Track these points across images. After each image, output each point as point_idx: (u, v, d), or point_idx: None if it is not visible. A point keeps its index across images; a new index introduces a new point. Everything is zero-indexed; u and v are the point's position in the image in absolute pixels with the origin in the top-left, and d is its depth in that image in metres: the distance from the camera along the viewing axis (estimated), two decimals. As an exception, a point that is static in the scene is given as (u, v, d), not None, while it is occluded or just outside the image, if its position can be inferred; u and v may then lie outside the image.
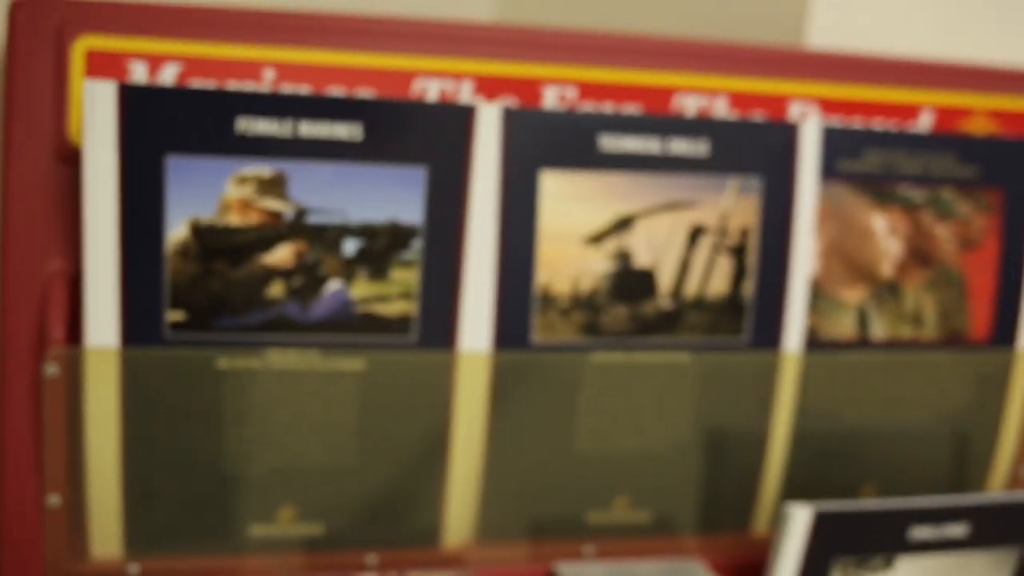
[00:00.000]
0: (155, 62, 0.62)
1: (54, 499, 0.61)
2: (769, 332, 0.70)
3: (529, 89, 0.68)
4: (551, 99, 0.68)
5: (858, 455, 0.75)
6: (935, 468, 0.77)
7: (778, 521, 0.67)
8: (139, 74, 0.62)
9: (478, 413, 0.66)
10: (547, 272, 0.66)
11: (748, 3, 0.86)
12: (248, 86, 0.63)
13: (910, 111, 0.75)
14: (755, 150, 0.68)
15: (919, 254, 0.73)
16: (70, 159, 0.61)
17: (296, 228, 0.61)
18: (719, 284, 0.69)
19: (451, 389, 0.65)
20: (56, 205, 0.62)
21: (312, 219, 0.61)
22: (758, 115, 0.72)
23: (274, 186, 0.61)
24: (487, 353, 0.66)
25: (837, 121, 0.73)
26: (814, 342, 0.72)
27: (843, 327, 0.73)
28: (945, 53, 0.81)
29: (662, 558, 0.72)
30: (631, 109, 0.69)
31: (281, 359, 0.63)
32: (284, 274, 0.62)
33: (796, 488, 0.73)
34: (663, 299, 0.68)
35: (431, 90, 0.66)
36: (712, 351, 0.69)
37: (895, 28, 0.82)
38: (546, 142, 0.65)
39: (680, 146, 0.67)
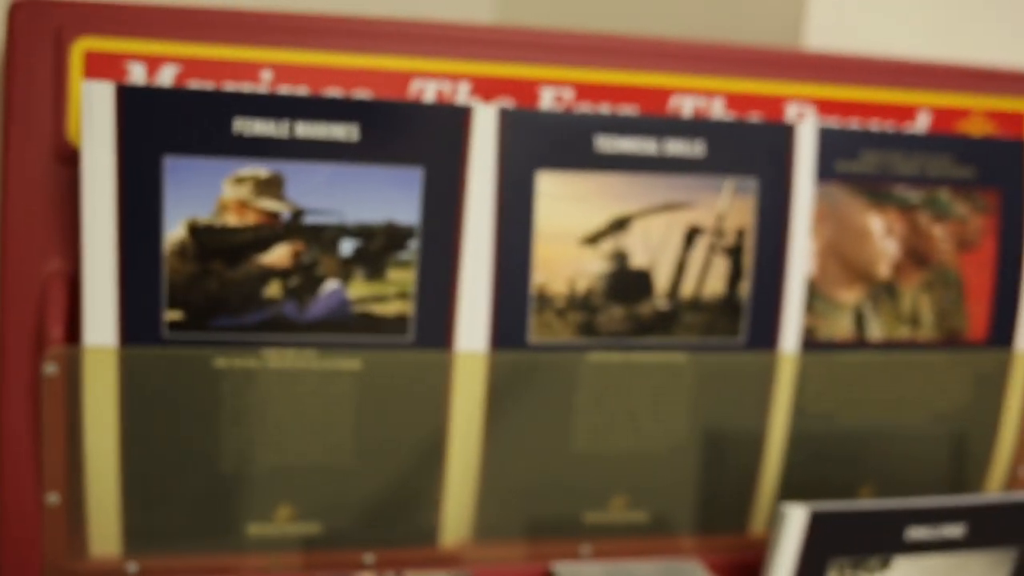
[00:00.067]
0: (153, 63, 0.62)
1: (53, 498, 0.62)
2: (765, 333, 0.71)
3: (526, 90, 0.68)
4: (548, 100, 0.68)
5: (855, 456, 0.75)
6: (933, 469, 0.77)
7: (774, 521, 0.67)
8: (137, 75, 0.62)
9: (475, 413, 0.66)
10: (543, 272, 0.66)
11: (746, 5, 0.86)
12: (245, 87, 0.63)
13: (907, 112, 0.75)
14: (751, 151, 0.69)
15: (916, 255, 0.74)
16: (69, 159, 0.61)
17: (293, 228, 0.62)
18: (715, 285, 0.69)
19: (448, 389, 0.66)
20: (55, 205, 0.62)
21: (309, 219, 0.62)
22: (755, 116, 0.72)
23: (271, 186, 0.61)
24: (484, 353, 0.66)
25: (834, 122, 0.73)
26: (811, 343, 0.72)
27: (840, 328, 0.73)
28: (942, 54, 0.81)
29: (659, 558, 0.72)
30: (628, 110, 0.69)
31: (278, 359, 0.63)
32: (281, 274, 0.62)
33: (793, 489, 0.73)
34: (659, 299, 0.68)
35: (428, 91, 0.66)
36: (709, 351, 0.70)
37: (893, 29, 0.83)
38: (542, 143, 0.65)
39: (676, 147, 0.67)
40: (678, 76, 0.70)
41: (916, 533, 0.69)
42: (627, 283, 0.68)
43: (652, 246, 0.68)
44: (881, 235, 0.73)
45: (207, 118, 0.60)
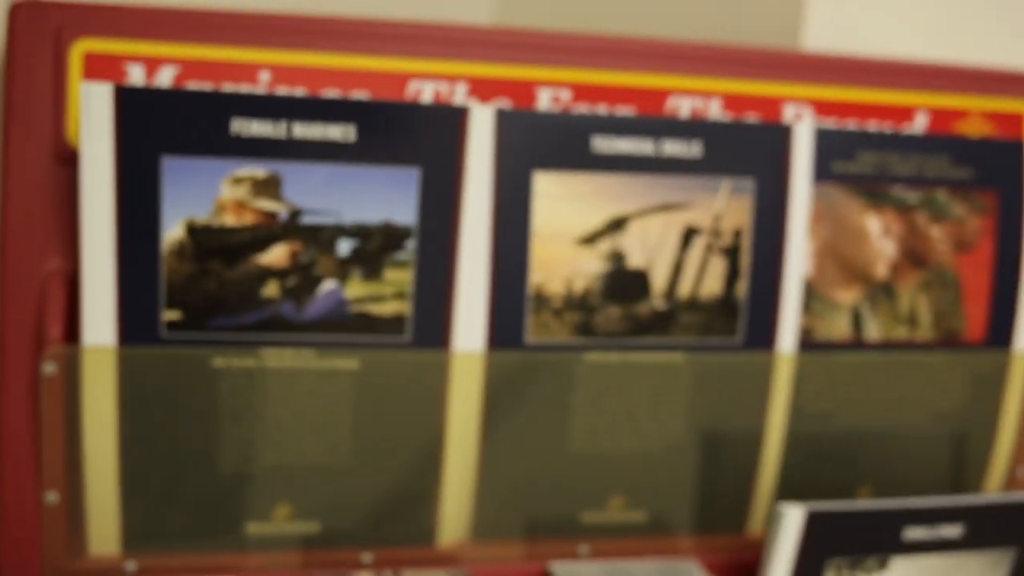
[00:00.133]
0: (152, 64, 0.63)
1: (52, 496, 0.62)
2: (763, 333, 0.71)
3: (523, 91, 0.68)
4: (545, 101, 0.68)
5: (854, 457, 0.75)
6: (931, 470, 0.77)
7: (771, 521, 0.67)
8: (136, 76, 0.63)
9: (472, 413, 0.67)
10: (541, 272, 0.67)
11: (745, 6, 0.86)
12: (243, 88, 0.64)
13: (905, 113, 0.75)
14: (748, 151, 0.69)
15: (913, 255, 0.74)
16: (68, 160, 0.62)
17: (291, 228, 0.62)
18: (712, 285, 0.69)
19: (445, 389, 0.66)
20: (54, 205, 0.62)
21: (306, 220, 0.62)
22: (752, 117, 0.72)
23: (269, 187, 0.61)
24: (481, 353, 0.66)
25: (831, 123, 0.73)
26: (808, 343, 0.72)
27: (838, 328, 0.73)
28: (940, 55, 0.81)
29: (657, 558, 0.72)
30: (625, 111, 0.70)
31: (276, 358, 0.63)
32: (279, 274, 0.62)
33: (792, 489, 0.73)
34: (657, 300, 0.69)
35: (426, 92, 0.67)
36: (706, 351, 0.70)
37: (891, 30, 0.83)
38: (539, 143, 0.65)
39: (673, 147, 0.67)
40: (675, 77, 0.71)
41: (914, 533, 0.69)
42: (624, 283, 0.68)
43: (649, 246, 0.68)
44: (878, 236, 0.73)
45: (205, 119, 0.60)
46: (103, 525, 0.63)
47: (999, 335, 0.76)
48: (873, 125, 0.75)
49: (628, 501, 0.71)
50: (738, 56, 0.72)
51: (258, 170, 0.61)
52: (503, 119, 0.64)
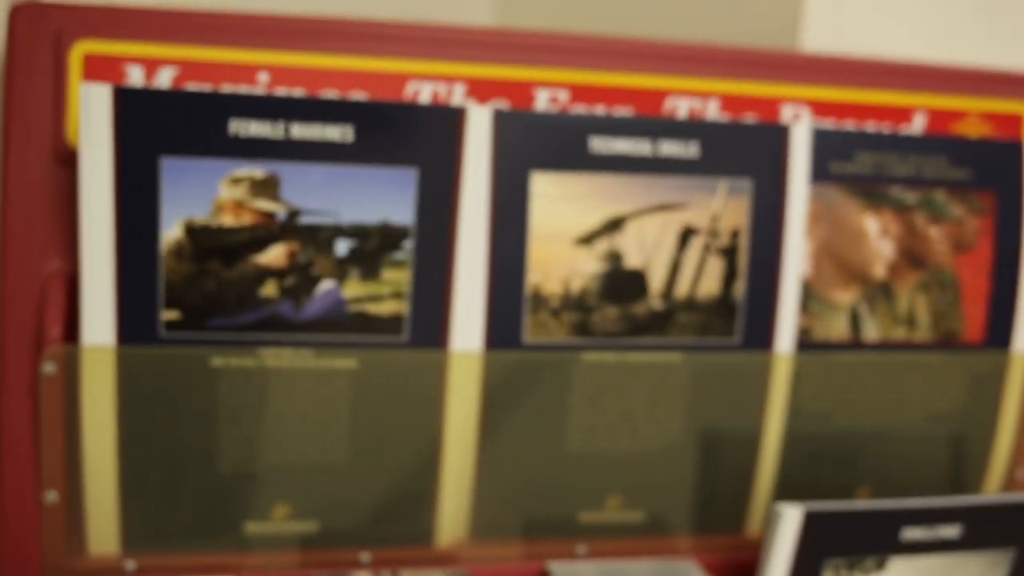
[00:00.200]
0: (151, 66, 0.63)
1: (51, 496, 0.62)
2: (761, 333, 0.71)
3: (521, 92, 0.68)
4: (543, 102, 0.69)
5: (852, 457, 0.75)
6: (930, 471, 0.77)
7: (769, 521, 0.68)
8: (136, 77, 0.63)
9: (470, 413, 0.67)
10: (538, 272, 0.67)
11: (744, 7, 0.86)
12: (242, 89, 0.64)
13: (903, 114, 0.75)
14: (745, 152, 0.69)
15: (912, 256, 0.74)
16: (68, 161, 0.62)
17: (289, 228, 0.62)
18: (710, 285, 0.69)
19: (443, 388, 0.66)
20: (54, 206, 0.63)
21: (304, 220, 0.62)
22: (750, 118, 0.72)
23: (267, 187, 0.62)
24: (479, 353, 0.66)
25: (830, 124, 0.74)
26: (806, 343, 0.72)
27: (836, 328, 0.73)
28: (939, 56, 0.81)
29: (655, 558, 0.72)
30: (623, 112, 0.70)
31: (275, 358, 0.63)
32: (277, 274, 0.63)
33: (790, 490, 0.73)
34: (654, 300, 0.69)
35: (424, 93, 0.67)
36: (704, 351, 0.70)
37: (890, 31, 0.83)
38: (537, 144, 0.66)
39: (670, 148, 0.67)
40: (673, 78, 0.71)
41: (912, 534, 0.69)
42: (622, 283, 0.68)
43: (647, 246, 0.68)
44: (876, 236, 0.73)
45: (203, 119, 0.60)
46: (102, 524, 0.63)
47: (997, 336, 0.76)
48: (871, 126, 0.75)
49: (626, 501, 0.71)
50: (736, 57, 0.72)
51: (256, 170, 0.61)
52: (501, 120, 0.65)
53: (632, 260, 0.68)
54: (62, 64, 0.62)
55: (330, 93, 0.65)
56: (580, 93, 0.69)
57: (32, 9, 0.61)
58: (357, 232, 0.63)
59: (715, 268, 0.69)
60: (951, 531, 0.70)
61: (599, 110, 0.69)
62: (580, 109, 0.69)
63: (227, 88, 0.64)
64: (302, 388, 0.64)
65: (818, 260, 0.72)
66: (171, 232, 0.61)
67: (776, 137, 0.69)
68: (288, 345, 0.63)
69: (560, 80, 0.69)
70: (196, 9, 0.64)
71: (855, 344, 0.73)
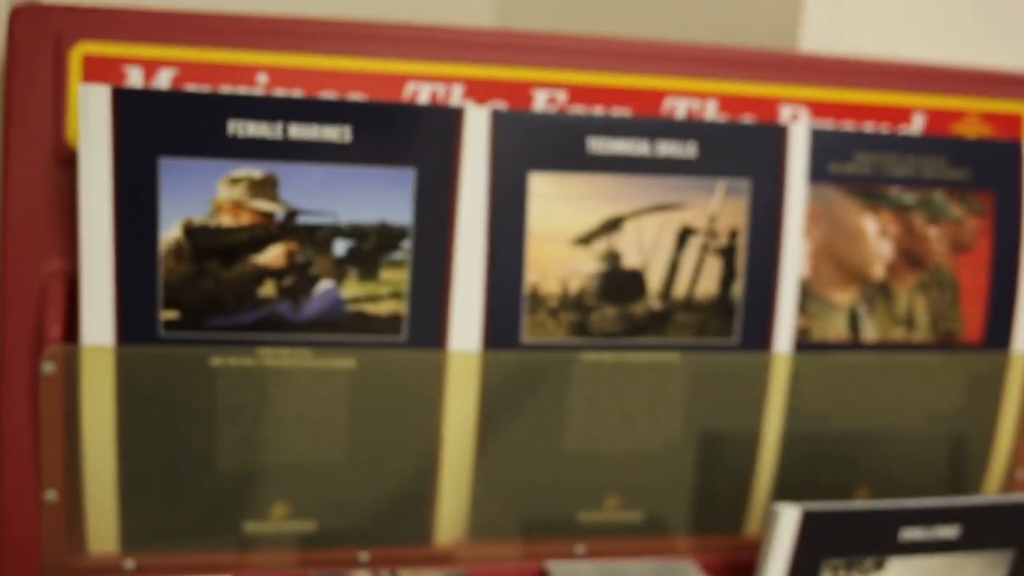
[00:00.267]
0: (151, 67, 0.63)
1: (51, 495, 0.63)
2: (759, 333, 0.71)
3: (519, 92, 0.69)
4: (541, 102, 0.69)
5: (851, 458, 0.75)
6: (929, 472, 0.77)
7: (767, 521, 0.68)
8: (135, 79, 0.63)
9: (469, 412, 0.67)
10: (536, 272, 0.67)
11: (743, 8, 0.86)
12: (241, 90, 0.64)
13: (902, 114, 0.75)
14: (743, 152, 0.69)
15: (911, 256, 0.74)
16: (68, 161, 0.62)
17: (287, 229, 0.63)
18: (708, 285, 0.69)
19: (442, 388, 0.66)
20: (54, 206, 0.63)
21: (303, 220, 0.63)
22: (748, 118, 0.72)
23: (265, 187, 0.62)
24: (477, 353, 0.66)
25: (828, 124, 0.74)
26: (805, 343, 0.72)
27: (834, 329, 0.73)
28: (938, 57, 0.81)
29: (653, 558, 0.72)
30: (621, 112, 0.70)
31: (273, 358, 0.64)
32: (276, 274, 0.63)
33: (789, 490, 0.73)
34: (652, 300, 0.69)
35: (422, 94, 0.67)
36: (702, 351, 0.70)
37: (889, 32, 0.83)
38: (534, 144, 0.66)
39: (668, 148, 0.68)
40: (672, 79, 0.71)
41: (910, 534, 0.69)
42: (620, 283, 0.68)
43: (645, 246, 0.68)
44: (875, 236, 0.73)
45: (202, 120, 0.60)
46: (102, 523, 0.64)
47: (997, 336, 0.76)
48: (870, 126, 0.75)
49: (624, 501, 0.71)
50: (734, 57, 0.72)
51: (255, 171, 0.62)
52: (499, 120, 0.65)
53: (630, 260, 0.68)
54: (62, 65, 0.62)
55: (329, 94, 0.66)
56: (578, 94, 0.69)
57: (32, 11, 0.62)
58: (355, 232, 0.63)
59: (713, 268, 0.69)
60: (950, 531, 0.70)
61: (597, 110, 0.70)
62: (578, 109, 0.69)
63: (226, 89, 0.64)
64: (301, 388, 0.64)
65: (817, 260, 0.72)
66: (170, 232, 0.61)
67: (774, 137, 0.70)
68: (287, 345, 0.64)
69: (558, 81, 0.69)
70: (195, 11, 0.64)
71: (854, 344, 0.73)
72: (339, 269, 0.64)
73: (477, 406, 0.67)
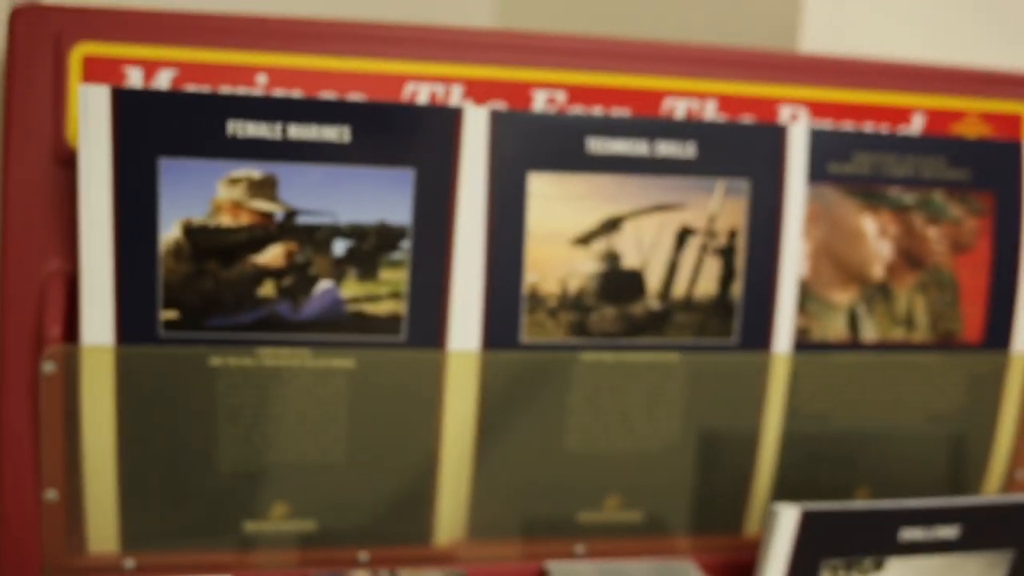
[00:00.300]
0: (151, 68, 0.63)
1: (51, 494, 0.63)
2: (758, 333, 0.71)
3: (518, 93, 0.69)
4: (540, 103, 0.69)
5: (851, 458, 0.75)
6: (929, 472, 0.77)
7: (766, 521, 0.68)
8: (135, 79, 0.63)
9: (468, 412, 0.67)
10: (536, 272, 0.67)
11: (742, 9, 0.86)
12: (240, 90, 0.64)
13: (902, 114, 0.76)
14: (742, 152, 0.69)
15: (910, 256, 0.74)
16: (68, 162, 0.62)
17: (286, 229, 0.63)
18: (707, 285, 0.70)
19: (441, 388, 0.66)
20: (54, 206, 0.63)
21: (302, 220, 0.63)
22: (747, 118, 0.72)
23: (264, 188, 0.62)
24: (476, 353, 0.66)
25: (828, 124, 0.74)
26: (804, 343, 0.72)
27: (834, 329, 0.73)
28: (938, 57, 0.81)
29: (653, 558, 0.72)
30: (620, 112, 0.70)
31: (273, 357, 0.64)
32: (275, 274, 0.63)
33: (789, 490, 0.73)
34: (652, 300, 0.69)
35: (421, 94, 0.67)
36: (701, 351, 0.70)
37: (889, 32, 0.83)
38: (534, 144, 0.66)
39: (667, 148, 0.68)
40: (671, 79, 0.71)
41: (910, 534, 0.69)
42: (619, 283, 0.68)
43: (644, 247, 0.68)
44: (875, 236, 0.73)
45: (201, 120, 0.61)
46: (102, 523, 0.64)
47: (996, 336, 0.76)
48: (869, 127, 0.75)
49: (624, 501, 0.71)
50: (733, 58, 0.72)
51: (254, 171, 0.62)
52: (498, 120, 0.65)
53: (629, 260, 0.68)
54: (62, 66, 0.62)
55: (328, 94, 0.66)
56: (577, 94, 0.69)
57: (32, 11, 0.62)
58: (355, 232, 0.63)
59: (712, 268, 0.69)
60: (949, 532, 0.70)
61: (596, 111, 0.70)
62: (577, 110, 0.69)
63: (225, 89, 0.64)
64: (300, 388, 0.64)
65: (816, 260, 0.72)
66: (170, 232, 0.61)
67: (774, 138, 0.70)
68: (286, 345, 0.64)
69: (557, 81, 0.69)
70: (195, 11, 0.64)
71: (853, 344, 0.73)
72: (338, 269, 0.64)
73: (476, 406, 0.67)
